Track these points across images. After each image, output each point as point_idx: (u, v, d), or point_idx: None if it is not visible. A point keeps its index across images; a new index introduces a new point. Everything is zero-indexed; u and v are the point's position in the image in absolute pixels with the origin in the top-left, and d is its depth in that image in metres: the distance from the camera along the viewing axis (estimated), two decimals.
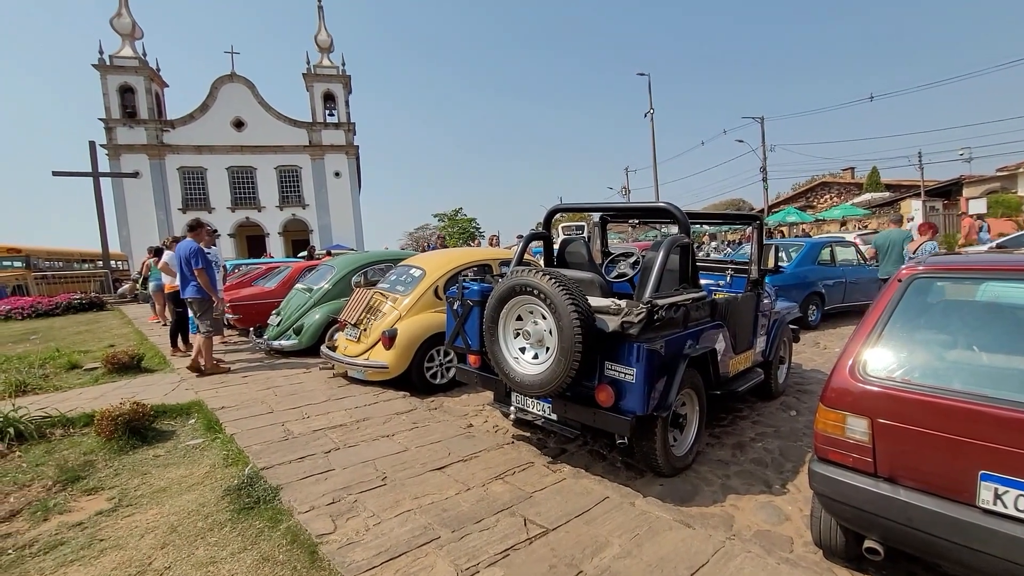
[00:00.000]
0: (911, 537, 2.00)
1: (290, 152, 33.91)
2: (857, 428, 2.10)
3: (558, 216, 5.28)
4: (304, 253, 16.89)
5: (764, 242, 4.00)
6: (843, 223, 24.50)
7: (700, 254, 10.77)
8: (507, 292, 3.15)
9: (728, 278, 4.59)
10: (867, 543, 2.18)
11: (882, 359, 2.12)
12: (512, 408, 3.64)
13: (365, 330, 5.41)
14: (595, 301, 3.09)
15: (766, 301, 4.49)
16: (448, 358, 5.44)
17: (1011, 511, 1.77)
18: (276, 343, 6.96)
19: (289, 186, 34.17)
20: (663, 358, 3.06)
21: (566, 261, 4.18)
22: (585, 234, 18.56)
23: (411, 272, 5.75)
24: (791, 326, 5.13)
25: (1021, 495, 1.75)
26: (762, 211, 29.33)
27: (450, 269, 5.51)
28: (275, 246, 33.03)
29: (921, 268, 2.24)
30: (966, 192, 24.94)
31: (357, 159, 36.00)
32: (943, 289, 2.23)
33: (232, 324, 8.79)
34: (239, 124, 33.16)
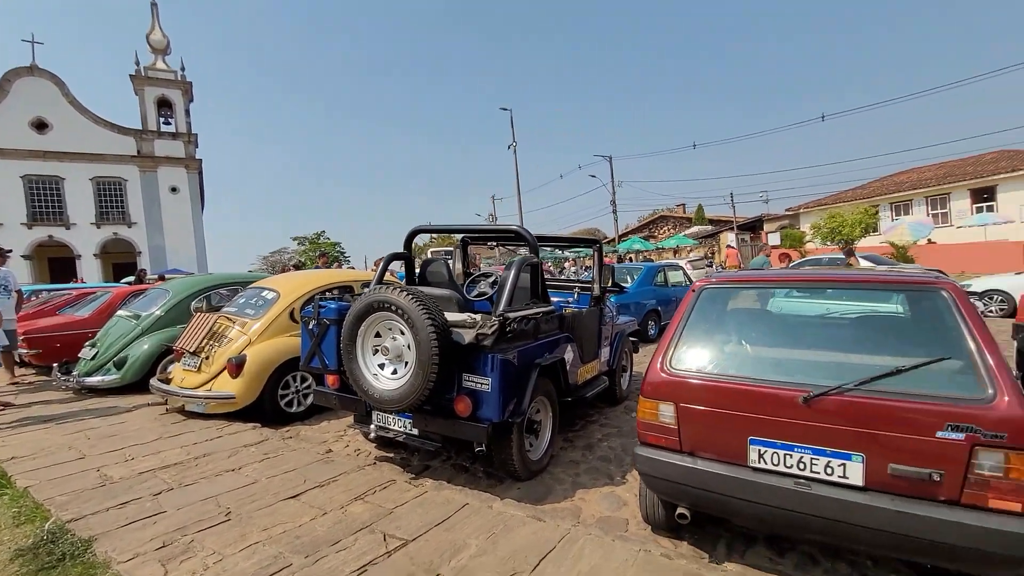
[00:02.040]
0: (708, 499, 2.44)
1: (112, 162, 29.12)
2: (667, 413, 2.52)
3: (428, 242, 5.41)
4: (131, 278, 14.65)
5: (603, 264, 4.56)
6: (677, 251, 28.23)
7: (565, 275, 11.71)
8: (365, 309, 3.17)
9: (575, 295, 5.10)
10: (678, 510, 2.60)
11: (682, 354, 2.58)
12: (372, 427, 3.61)
13: (207, 358, 4.92)
14: (452, 316, 3.25)
15: (608, 316, 5.06)
16: (306, 384, 5.16)
17: (769, 466, 2.27)
18: (90, 379, 5.94)
19: (110, 201, 29.24)
20: (516, 367, 3.31)
21: (427, 280, 4.31)
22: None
23: (263, 295, 5.39)
24: (631, 338, 5.82)
25: (775, 452, 2.26)
26: (613, 239, 32.55)
27: (308, 291, 5.28)
28: (89, 270, 27.93)
29: (708, 281, 2.80)
30: (766, 227, 30.43)
31: (200, 175, 32.25)
32: (724, 297, 2.81)
33: (27, 361, 7.29)
34: (41, 126, 27.81)
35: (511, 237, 4.25)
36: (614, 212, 30.32)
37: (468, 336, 3.09)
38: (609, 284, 4.55)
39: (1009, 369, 1.99)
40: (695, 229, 32.54)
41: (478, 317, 3.14)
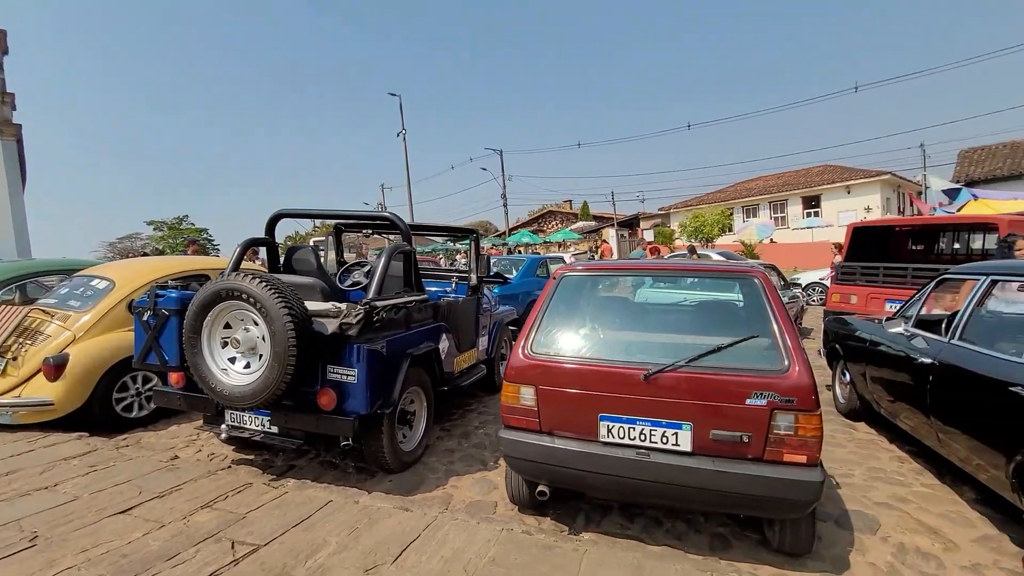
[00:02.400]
0: (565, 475, 2.59)
1: None
2: (527, 396, 2.62)
3: (312, 230, 5.06)
4: None
5: (480, 254, 4.62)
6: (563, 244, 29.54)
7: (456, 267, 11.68)
8: (211, 298, 2.88)
9: (453, 285, 5.11)
10: (538, 488, 2.72)
11: (542, 339, 2.70)
12: (223, 427, 3.31)
13: (15, 359, 4.14)
14: (314, 305, 3.07)
15: (486, 305, 5.14)
16: (149, 385, 4.57)
17: (616, 440, 2.46)
18: None
19: None
20: (385, 358, 3.23)
21: (293, 269, 4.03)
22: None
23: (93, 284, 4.65)
24: (510, 327, 5.98)
25: (621, 426, 2.45)
26: (504, 233, 33.17)
27: (151, 280, 4.64)
28: None
29: (567, 269, 2.96)
30: (642, 224, 32.98)
31: (19, 144, 26.92)
32: (581, 284, 2.99)
33: None
34: None
35: (385, 225, 4.12)
36: (504, 206, 30.91)
37: (331, 326, 2.94)
38: (486, 274, 4.62)
39: (801, 345, 2.36)
40: (580, 224, 34.33)
41: (343, 306, 3.00)
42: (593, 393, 2.49)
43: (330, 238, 4.90)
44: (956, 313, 3.16)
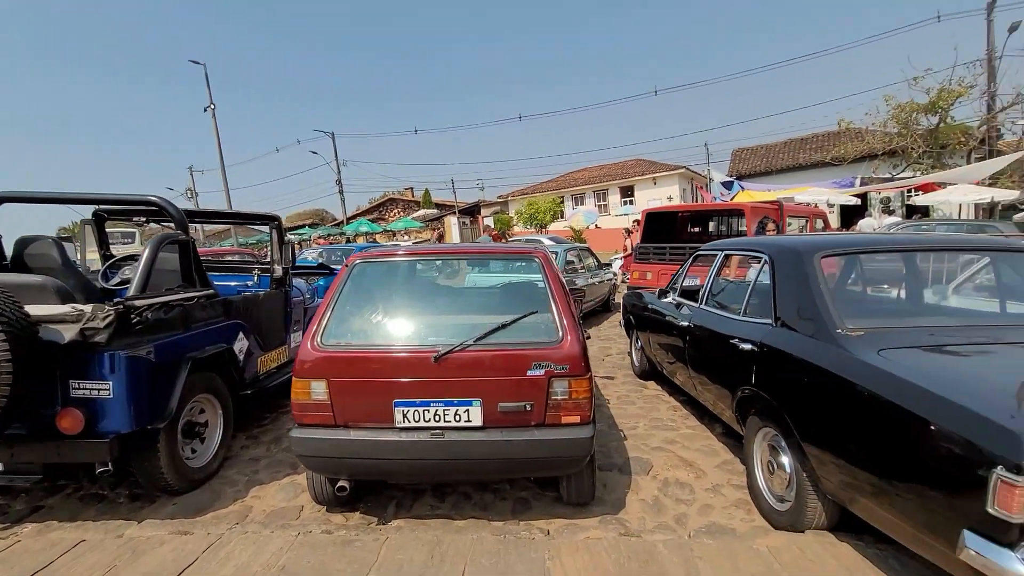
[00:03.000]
0: (364, 466, 2.53)
1: None
2: (319, 390, 2.49)
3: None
4: None
5: (284, 243, 4.25)
6: (406, 233, 28.99)
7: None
8: None
9: (255, 277, 4.64)
10: (338, 483, 2.62)
11: (333, 329, 2.59)
12: None
13: None
14: (45, 309, 2.52)
15: (298, 298, 4.77)
16: None
17: (412, 424, 2.47)
18: None
19: None
20: (154, 364, 2.80)
21: (26, 265, 3.25)
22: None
23: None
24: None
25: (416, 410, 2.47)
26: (341, 222, 31.33)
27: None
28: None
29: (360, 255, 2.87)
30: (483, 212, 33.85)
31: None
32: (375, 271, 2.93)
33: None
34: None
35: (153, 211, 3.54)
36: (340, 192, 29.15)
37: (69, 333, 2.44)
38: (292, 264, 4.28)
39: (574, 317, 2.61)
40: (421, 212, 34.01)
41: (86, 308, 2.50)
42: (386, 380, 2.47)
43: (86, 228, 4.06)
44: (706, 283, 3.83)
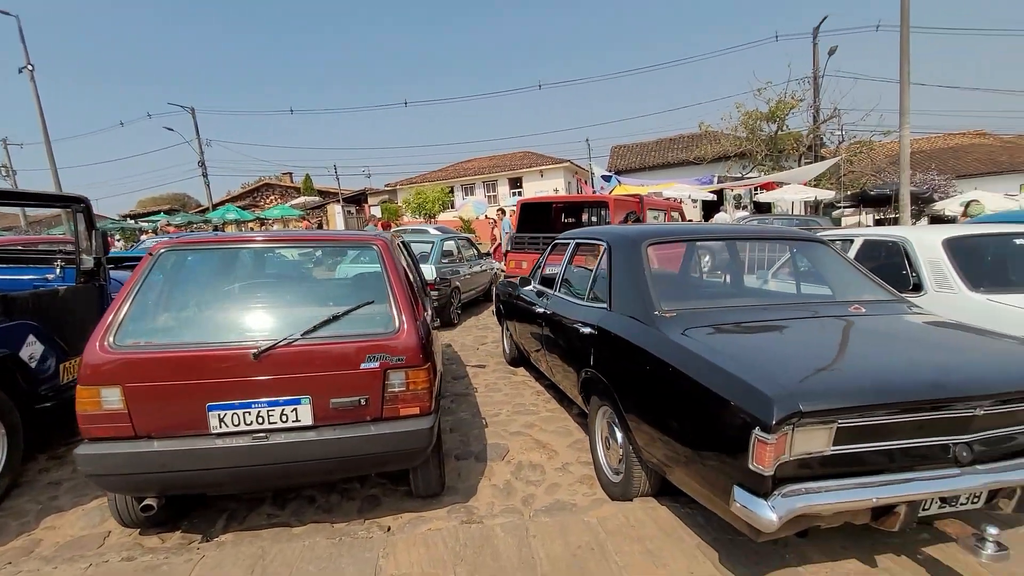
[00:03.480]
0: (174, 480, 2.25)
1: None
2: (112, 398, 2.15)
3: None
4: None
5: (93, 229, 3.63)
6: (284, 221, 26.83)
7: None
8: None
9: (58, 270, 3.95)
10: (144, 502, 2.30)
11: (130, 327, 2.25)
12: None
13: None
14: None
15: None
16: None
17: (231, 428, 2.24)
18: None
19: None
20: None
21: None
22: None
23: None
24: None
25: (235, 413, 2.24)
26: (206, 209, 28.17)
27: None
28: None
29: (165, 243, 2.54)
30: (370, 200, 32.47)
31: None
32: (183, 261, 2.62)
33: None
34: None
35: None
36: (204, 175, 26.15)
37: None
38: (105, 254, 3.68)
39: (412, 307, 2.54)
40: (301, 200, 31.76)
41: None
42: (198, 382, 2.20)
43: None
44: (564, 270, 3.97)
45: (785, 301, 2.88)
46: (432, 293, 6.80)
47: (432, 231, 14.56)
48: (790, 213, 17.76)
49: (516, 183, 29.59)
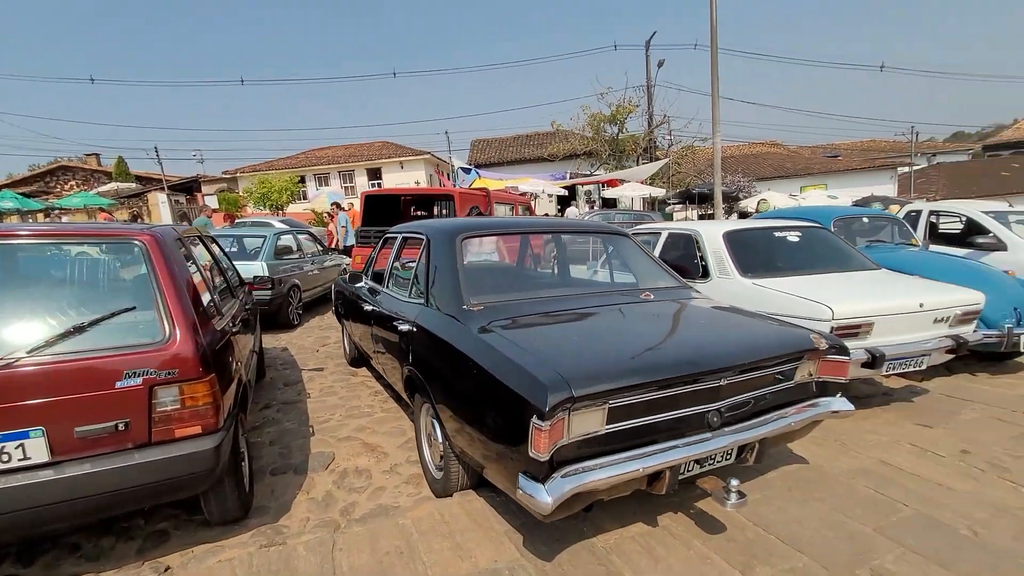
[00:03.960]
0: None
1: None
2: None
3: None
4: None
5: None
6: (88, 212, 22.50)
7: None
8: None
9: None
10: None
11: None
12: None
13: None
14: None
15: None
16: None
17: None
18: None
19: None
20: None
21: None
22: None
23: None
24: None
25: None
26: None
27: None
28: None
29: None
30: (204, 189, 28.70)
31: None
32: None
33: None
34: None
35: None
36: None
37: None
38: None
39: (189, 311, 2.21)
40: (112, 186, 26.96)
41: None
42: None
43: None
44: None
45: (589, 291, 3.05)
46: (263, 293, 6.19)
47: (277, 224, 13.32)
48: (631, 208, 19.67)
49: (376, 174, 28.46)
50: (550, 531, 2.26)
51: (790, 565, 2.05)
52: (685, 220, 16.87)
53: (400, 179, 27.52)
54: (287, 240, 7.65)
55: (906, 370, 3.35)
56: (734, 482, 2.03)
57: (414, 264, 3.22)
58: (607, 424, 1.84)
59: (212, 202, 24.75)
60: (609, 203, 20.79)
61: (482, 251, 3.41)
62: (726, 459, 2.21)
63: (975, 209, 5.76)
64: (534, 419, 1.66)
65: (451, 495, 2.61)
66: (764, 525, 2.33)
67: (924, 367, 3.40)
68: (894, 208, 9.03)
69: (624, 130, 21.13)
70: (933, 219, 6.36)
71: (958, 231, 6.12)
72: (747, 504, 2.09)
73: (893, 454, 2.98)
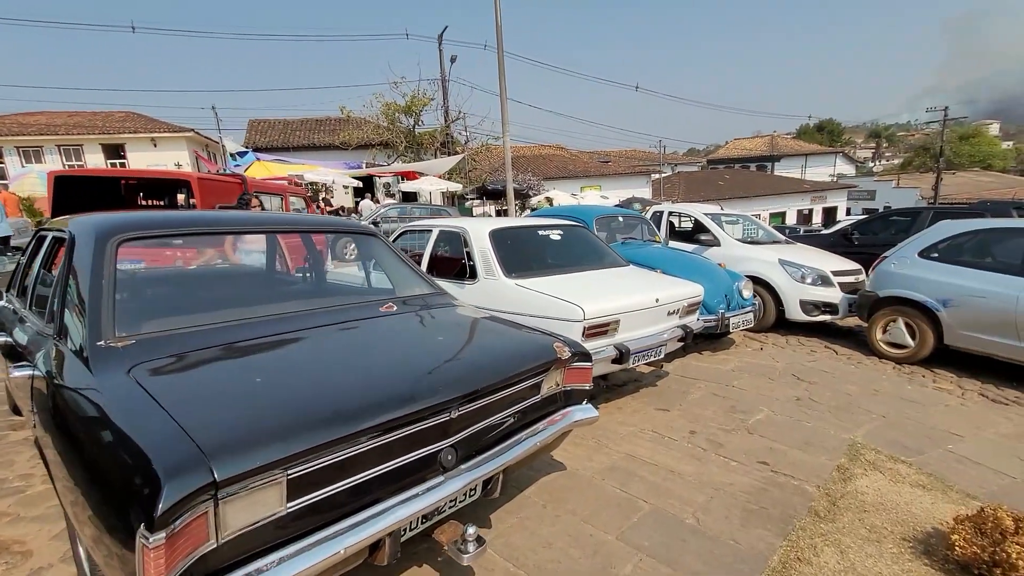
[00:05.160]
0: None
1: None
2: None
3: None
4: None
5: None
6: None
7: None
8: None
9: None
10: None
11: None
12: None
13: None
14: None
15: None
16: None
17: None
18: None
19: None
20: None
21: None
22: None
23: None
24: None
25: None
26: None
27: None
28: None
29: None
30: None
31: None
32: None
33: None
34: None
35: None
36: None
37: None
38: None
39: None
40: None
41: None
42: None
43: None
44: None
45: (310, 306, 2.31)
46: None
47: None
48: (430, 203, 19.38)
49: (116, 151, 22.89)
50: None
51: None
52: (483, 216, 17.31)
53: (153, 159, 22.65)
54: None
55: (648, 360, 3.59)
56: (471, 530, 1.73)
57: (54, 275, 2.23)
58: (290, 501, 1.34)
59: None
60: (409, 196, 20.17)
61: (160, 257, 2.55)
62: (470, 497, 1.91)
63: (699, 211, 6.82)
64: (140, 531, 1.06)
65: None
66: (515, 558, 2.11)
67: (663, 356, 3.71)
68: (649, 209, 10.47)
69: (420, 123, 20.74)
70: (672, 219, 7.39)
71: (689, 229, 7.22)
72: (486, 551, 1.81)
73: (637, 445, 3.12)
